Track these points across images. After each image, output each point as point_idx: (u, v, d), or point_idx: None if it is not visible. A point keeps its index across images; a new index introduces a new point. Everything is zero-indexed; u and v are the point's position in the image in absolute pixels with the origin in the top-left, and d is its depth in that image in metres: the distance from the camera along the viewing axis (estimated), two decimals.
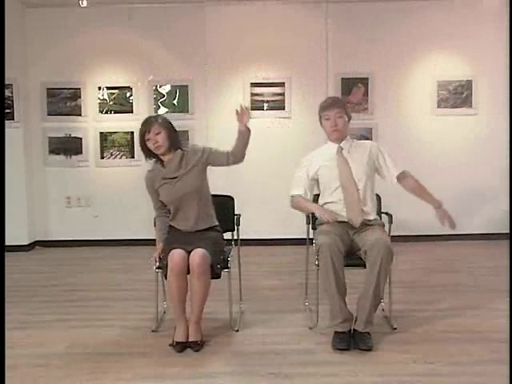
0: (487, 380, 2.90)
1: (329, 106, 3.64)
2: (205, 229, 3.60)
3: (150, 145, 3.49)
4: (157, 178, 3.59)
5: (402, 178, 3.78)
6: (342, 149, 3.64)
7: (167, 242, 3.55)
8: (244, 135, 3.53)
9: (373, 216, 3.64)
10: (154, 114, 3.62)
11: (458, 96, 6.54)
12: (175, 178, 3.54)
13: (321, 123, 3.70)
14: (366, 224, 3.56)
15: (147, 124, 3.50)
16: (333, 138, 3.67)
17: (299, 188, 3.70)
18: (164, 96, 6.60)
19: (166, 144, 3.50)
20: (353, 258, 3.45)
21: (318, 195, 3.81)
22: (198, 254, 3.29)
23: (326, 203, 3.67)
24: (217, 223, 3.71)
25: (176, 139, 3.57)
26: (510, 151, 6.38)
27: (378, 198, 3.96)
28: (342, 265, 3.35)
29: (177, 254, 3.32)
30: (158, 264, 3.53)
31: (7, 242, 5.21)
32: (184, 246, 3.37)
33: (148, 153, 3.55)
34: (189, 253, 3.34)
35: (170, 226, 3.66)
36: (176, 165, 3.54)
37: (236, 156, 3.54)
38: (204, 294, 3.36)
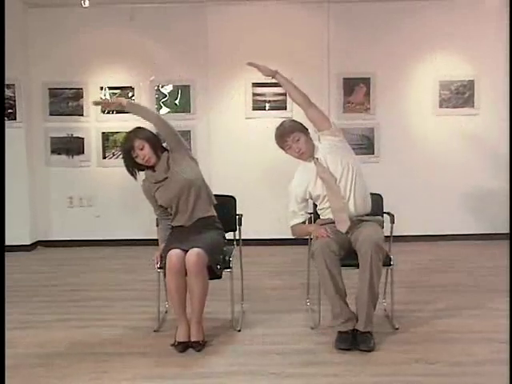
0: (487, 380, 2.91)
1: (283, 135, 3.62)
2: (203, 222, 3.62)
3: (139, 161, 3.55)
4: (151, 184, 3.63)
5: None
6: (317, 159, 3.61)
7: (168, 241, 3.59)
8: (128, 109, 3.68)
9: (366, 209, 3.63)
10: (130, 129, 3.64)
11: (459, 96, 6.54)
12: (166, 178, 3.58)
13: (286, 152, 3.67)
14: (361, 221, 3.57)
15: (128, 142, 3.54)
16: (304, 159, 3.66)
17: (294, 219, 3.71)
18: (166, 96, 6.61)
19: (153, 155, 3.55)
20: (351, 258, 3.44)
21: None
22: (194, 254, 3.31)
23: (323, 209, 3.68)
24: (214, 214, 3.72)
25: (160, 145, 3.63)
26: (510, 151, 6.37)
27: (380, 197, 3.96)
28: (337, 266, 3.36)
29: (174, 254, 3.34)
30: (159, 264, 3.54)
31: (9, 242, 5.22)
32: (182, 246, 3.39)
33: (137, 167, 3.61)
34: (186, 252, 3.35)
35: (172, 226, 3.70)
36: (164, 166, 3.59)
37: (152, 122, 3.64)
38: (202, 293, 3.37)
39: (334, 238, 3.42)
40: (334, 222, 3.56)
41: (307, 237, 3.98)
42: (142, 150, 3.51)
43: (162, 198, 3.62)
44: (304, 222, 3.71)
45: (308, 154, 3.61)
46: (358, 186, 3.57)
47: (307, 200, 3.72)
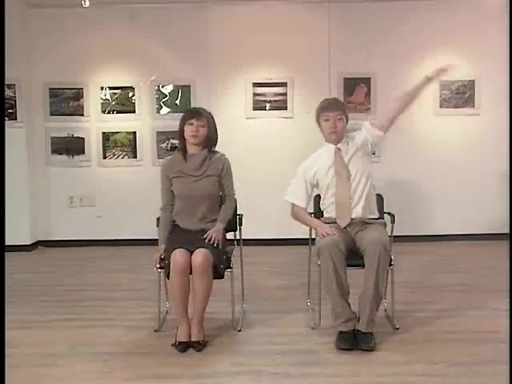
0: (487, 380, 2.91)
1: (329, 106, 3.65)
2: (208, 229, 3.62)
3: (188, 129, 3.58)
4: (173, 167, 3.65)
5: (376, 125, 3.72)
6: (339, 150, 3.64)
7: (170, 241, 3.57)
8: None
9: (371, 215, 3.64)
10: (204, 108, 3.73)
11: (460, 96, 6.53)
12: (193, 176, 3.60)
13: (318, 123, 3.70)
14: (366, 223, 3.58)
15: (198, 113, 3.62)
16: (330, 140, 3.67)
17: (295, 196, 3.75)
18: (166, 96, 6.61)
19: (201, 139, 3.60)
20: (355, 257, 3.45)
21: (319, 196, 3.83)
22: (201, 254, 3.32)
23: (326, 204, 3.70)
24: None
25: (212, 141, 3.69)
26: (510, 151, 6.37)
27: (381, 197, 3.96)
28: (343, 265, 3.36)
29: (179, 254, 3.34)
30: (159, 265, 3.54)
31: (9, 242, 5.21)
32: (187, 246, 3.39)
33: (182, 139, 3.65)
34: (191, 252, 3.36)
35: (174, 224, 3.69)
36: (198, 164, 3.61)
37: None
38: (206, 293, 3.38)
39: (341, 237, 3.42)
40: (336, 222, 3.58)
41: (307, 236, 3.99)
42: (201, 127, 3.58)
43: (178, 188, 3.64)
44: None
45: (337, 137, 3.64)
46: (366, 192, 3.60)
47: (312, 188, 3.74)
